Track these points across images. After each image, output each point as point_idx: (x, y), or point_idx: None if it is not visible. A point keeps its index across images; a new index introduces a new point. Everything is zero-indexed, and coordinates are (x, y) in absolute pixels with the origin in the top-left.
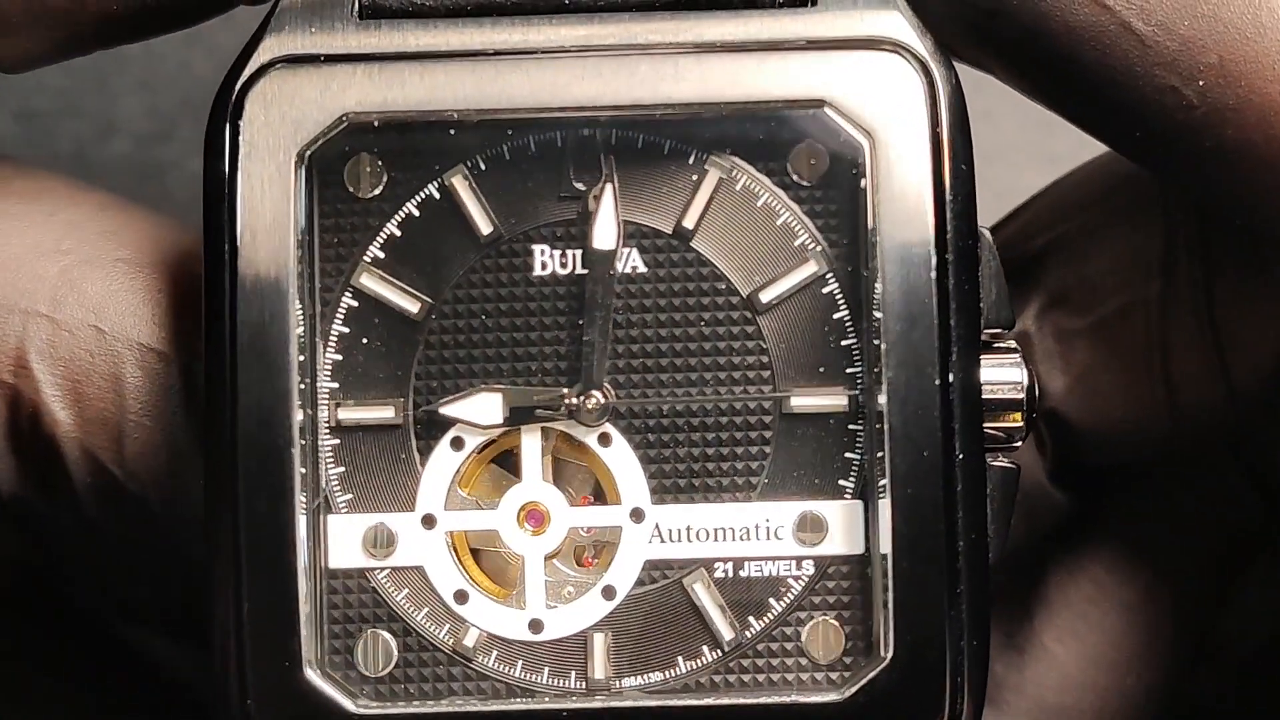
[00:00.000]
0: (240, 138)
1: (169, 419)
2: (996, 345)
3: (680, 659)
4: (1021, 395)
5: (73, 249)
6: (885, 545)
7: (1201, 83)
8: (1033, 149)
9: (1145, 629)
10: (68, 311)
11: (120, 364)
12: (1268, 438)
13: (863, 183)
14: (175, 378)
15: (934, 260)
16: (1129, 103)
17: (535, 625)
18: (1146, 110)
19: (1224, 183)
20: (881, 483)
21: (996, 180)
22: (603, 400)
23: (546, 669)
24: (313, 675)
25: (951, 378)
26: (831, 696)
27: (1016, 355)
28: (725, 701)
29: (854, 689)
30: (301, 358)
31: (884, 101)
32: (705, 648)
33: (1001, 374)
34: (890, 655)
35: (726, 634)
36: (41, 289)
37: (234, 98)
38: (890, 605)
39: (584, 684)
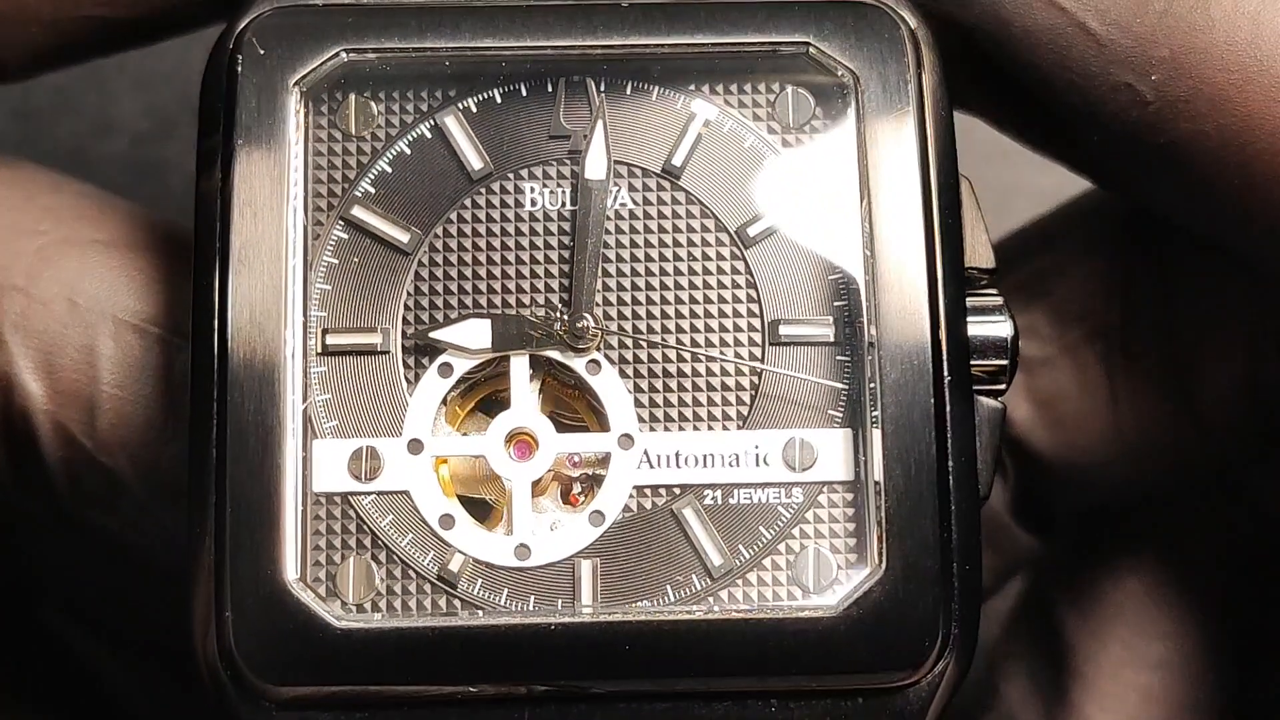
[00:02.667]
0: (238, 70)
1: (143, 390)
2: (980, 289)
3: (669, 588)
4: (1005, 335)
5: (50, 230)
6: (877, 471)
7: (1155, 77)
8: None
9: (1183, 681)
10: (43, 286)
11: (94, 336)
12: (1252, 466)
13: (848, 122)
14: (150, 351)
15: (920, 195)
16: (1086, 104)
17: (522, 551)
18: (1103, 110)
19: (1180, 184)
20: (874, 413)
21: (996, 180)
22: (592, 323)
23: (533, 597)
24: (295, 590)
25: (940, 309)
26: (823, 611)
27: (999, 298)
28: (715, 616)
29: (847, 603)
30: (293, 286)
31: (867, 46)
32: (695, 576)
33: (985, 314)
34: (883, 568)
35: (716, 560)
36: (17, 265)
37: (233, 39)
38: (883, 523)
39: (571, 612)
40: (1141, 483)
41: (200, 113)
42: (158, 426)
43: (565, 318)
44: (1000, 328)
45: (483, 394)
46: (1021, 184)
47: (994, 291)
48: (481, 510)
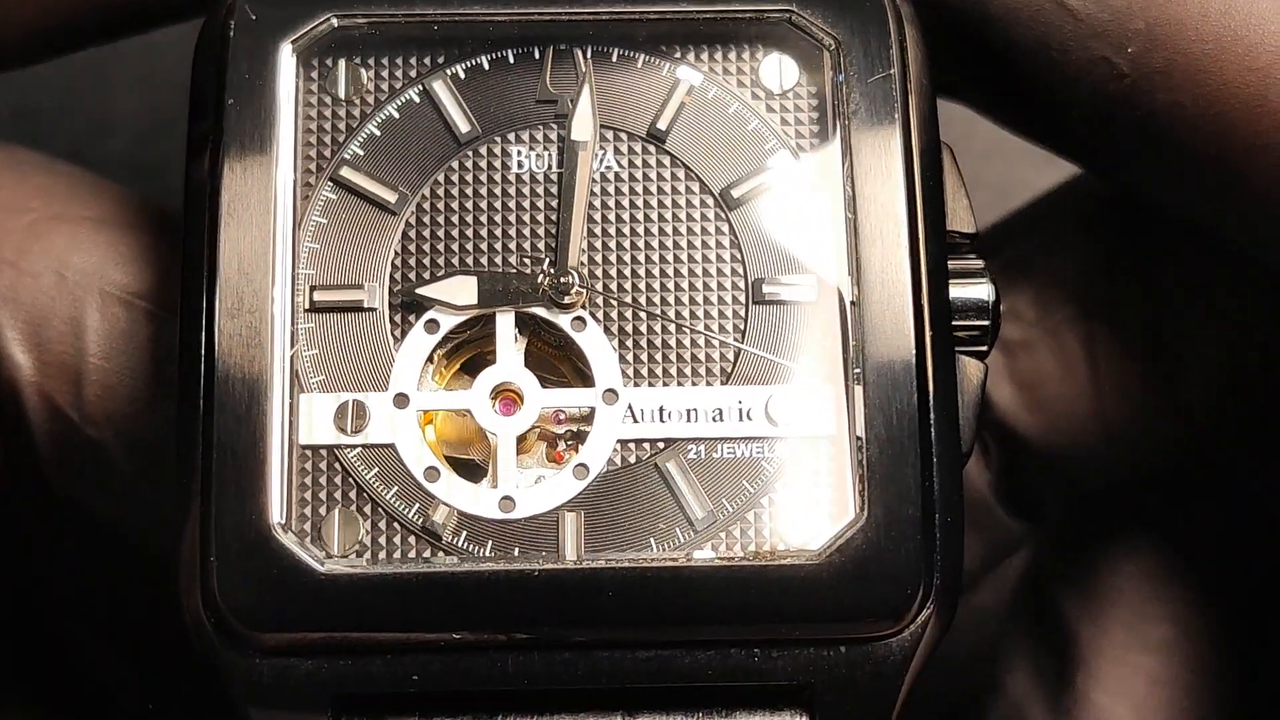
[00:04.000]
0: (230, 35)
1: (129, 363)
2: (961, 253)
3: (652, 540)
4: (985, 297)
5: (41, 207)
6: (860, 427)
7: (1131, 50)
8: (1030, 148)
9: (1188, 662)
10: (32, 259)
11: (81, 308)
12: (1238, 450)
13: (830, 87)
14: (136, 324)
15: (901, 158)
16: (1065, 81)
17: (506, 504)
18: (1082, 85)
19: (1158, 157)
20: (856, 370)
21: (995, 177)
22: (576, 278)
23: (517, 549)
24: (279, 536)
25: (922, 268)
26: (805, 559)
27: (979, 261)
28: (697, 564)
29: (828, 551)
30: (281, 243)
31: (849, 13)
32: (678, 528)
33: (966, 277)
34: (865, 516)
35: (699, 513)
36: (8, 240)
37: (225, 8)
38: (865, 473)
39: (554, 560)
40: (1127, 466)
41: (192, 87)
42: (143, 399)
43: (551, 272)
44: (981, 290)
45: (469, 355)
46: (1021, 183)
47: (975, 255)
48: (469, 473)
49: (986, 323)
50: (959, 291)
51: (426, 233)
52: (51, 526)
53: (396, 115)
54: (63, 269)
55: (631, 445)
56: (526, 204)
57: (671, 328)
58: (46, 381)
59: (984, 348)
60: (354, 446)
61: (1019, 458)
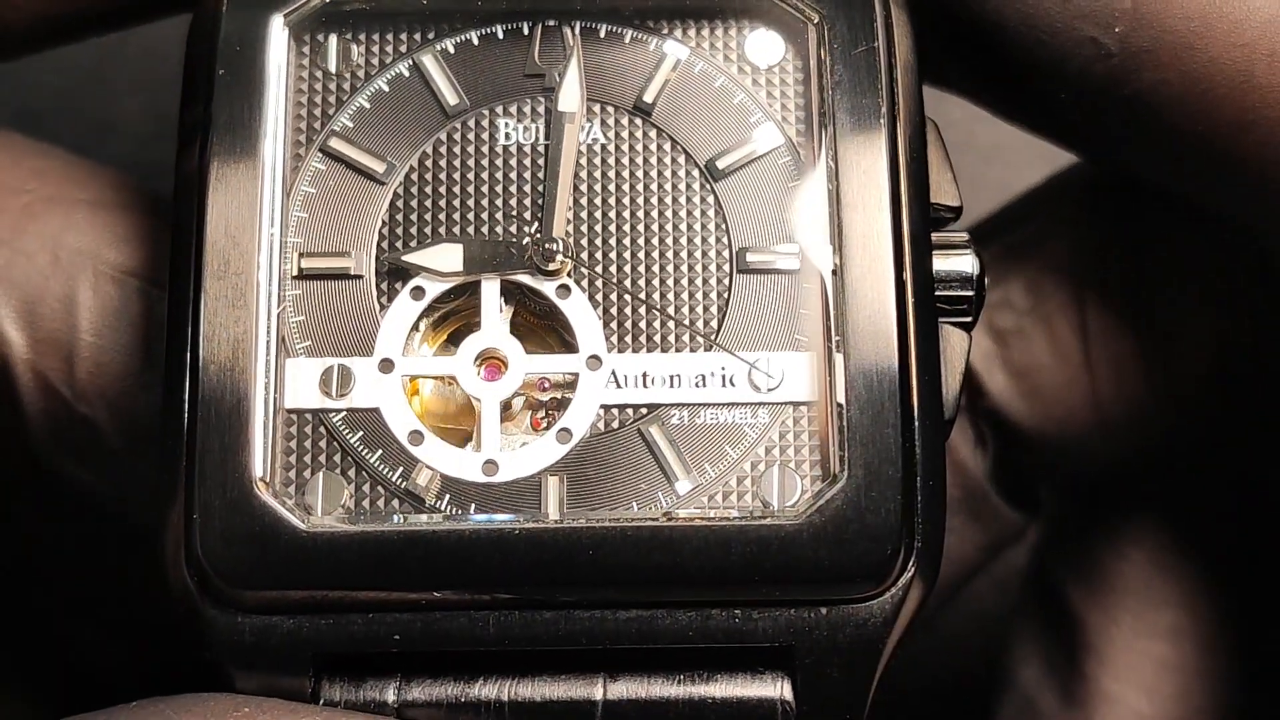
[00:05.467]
0: (223, 10)
1: (120, 339)
2: (945, 225)
3: (634, 504)
4: (969, 268)
5: (37, 189)
6: (840, 392)
7: (1118, 29)
8: (1031, 148)
9: (1197, 647)
10: (26, 239)
11: (74, 286)
12: (1231, 436)
13: (815, 60)
14: (128, 301)
15: (884, 131)
16: (1053, 62)
17: (489, 467)
18: (1070, 66)
19: (1146, 136)
20: (837, 337)
21: (996, 179)
22: (560, 244)
23: (499, 513)
24: (262, 494)
25: (904, 237)
26: (785, 519)
27: (964, 234)
28: (678, 524)
29: (809, 511)
30: (269, 210)
31: None
32: (660, 493)
33: (951, 249)
34: (845, 476)
35: (682, 478)
36: (3, 220)
37: None
38: (845, 436)
39: (535, 519)
40: (1122, 451)
41: (185, 74)
42: (135, 374)
43: (537, 238)
44: (964, 261)
45: (456, 325)
46: (1022, 184)
47: (960, 229)
48: (456, 442)
49: (970, 293)
50: (942, 263)
51: (414, 202)
52: (42, 502)
53: (386, 88)
54: (57, 249)
55: (615, 410)
56: (513, 175)
57: (656, 295)
58: (39, 358)
59: (968, 319)
60: (339, 411)
61: (1015, 446)
